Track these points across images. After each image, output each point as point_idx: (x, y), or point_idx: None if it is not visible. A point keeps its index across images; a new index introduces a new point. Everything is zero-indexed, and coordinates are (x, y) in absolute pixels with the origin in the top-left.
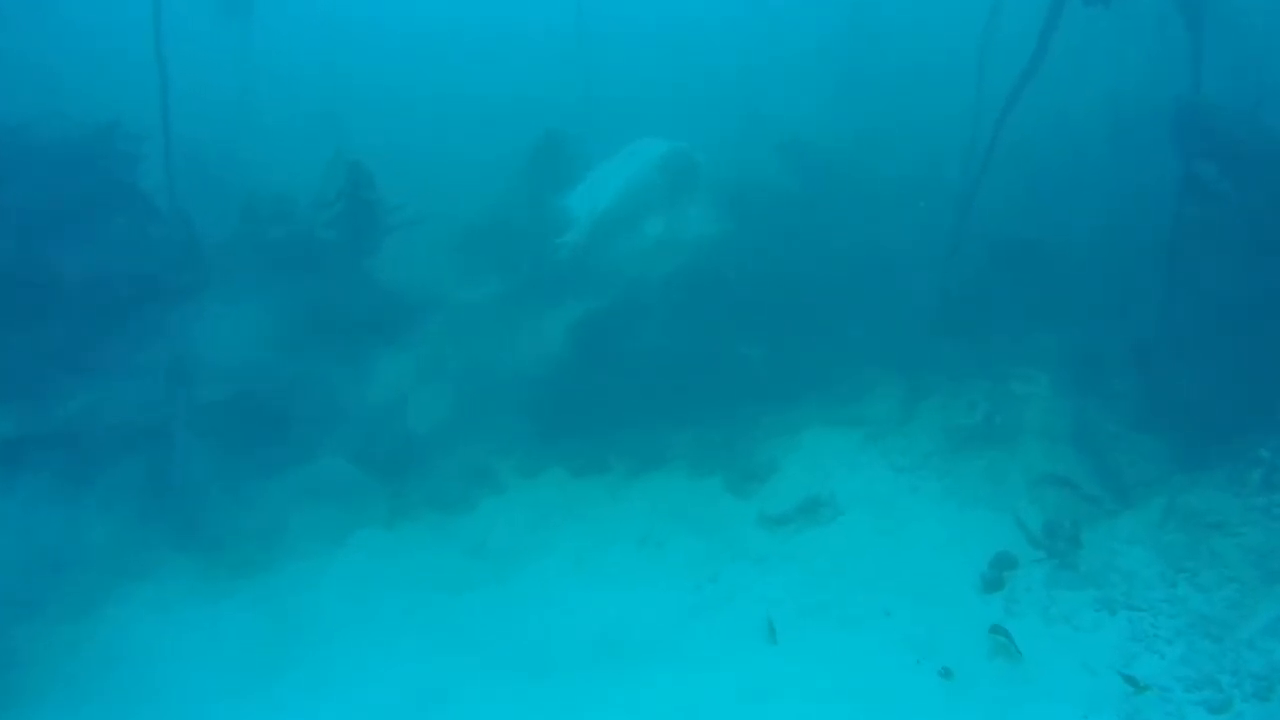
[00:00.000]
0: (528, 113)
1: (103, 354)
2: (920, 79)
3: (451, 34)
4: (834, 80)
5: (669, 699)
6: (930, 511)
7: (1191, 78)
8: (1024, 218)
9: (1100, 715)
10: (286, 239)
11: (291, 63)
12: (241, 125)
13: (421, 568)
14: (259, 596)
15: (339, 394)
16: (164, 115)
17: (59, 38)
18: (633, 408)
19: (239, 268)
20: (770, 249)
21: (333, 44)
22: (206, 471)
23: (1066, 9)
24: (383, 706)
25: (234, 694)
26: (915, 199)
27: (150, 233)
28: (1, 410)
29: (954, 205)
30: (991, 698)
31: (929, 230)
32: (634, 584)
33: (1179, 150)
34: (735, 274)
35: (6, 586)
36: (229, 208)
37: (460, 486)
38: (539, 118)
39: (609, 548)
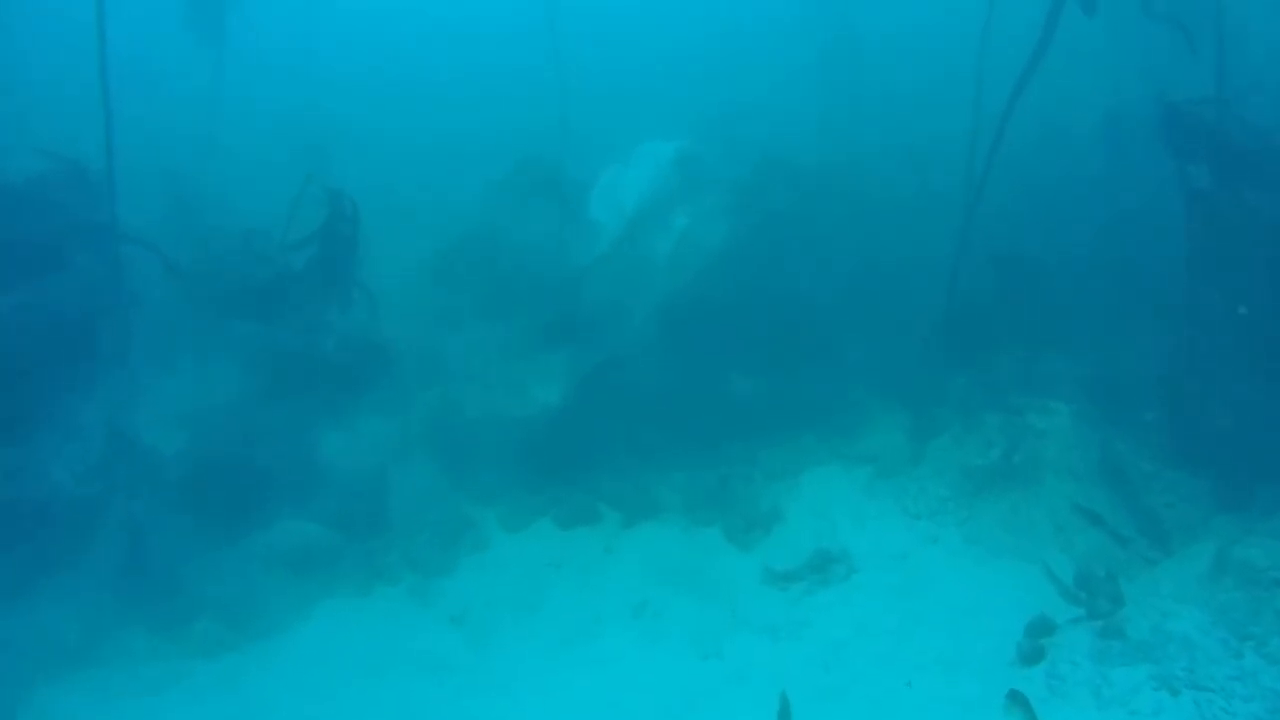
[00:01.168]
0: (505, 141)
1: (37, 412)
2: (913, 95)
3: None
4: (825, 98)
5: None
6: (952, 565)
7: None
8: (1021, 232)
9: None
10: (251, 280)
11: (267, 91)
12: (214, 157)
13: (396, 642)
14: (214, 681)
15: (305, 448)
16: (108, 147)
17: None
18: (621, 447)
19: (196, 311)
20: (758, 272)
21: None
22: (155, 541)
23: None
24: None
25: None
26: (911, 217)
27: (96, 274)
28: None
29: (957, 221)
30: None
31: (923, 247)
32: (630, 662)
33: (1170, 156)
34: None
35: None
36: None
37: (440, 544)
38: (517, 146)
39: (602, 619)
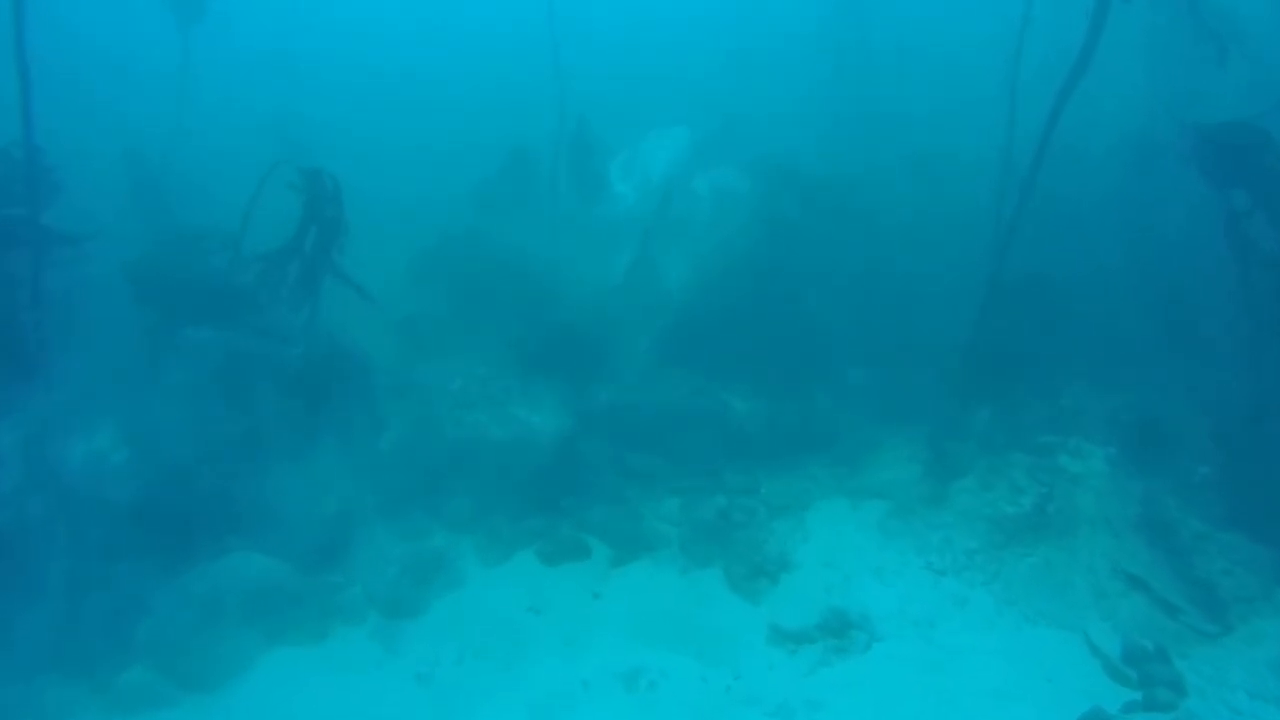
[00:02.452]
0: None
1: None
2: (929, 107)
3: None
4: (835, 109)
5: None
6: (985, 635)
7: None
8: (1044, 256)
9: None
10: (207, 279)
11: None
12: (183, 147)
13: (353, 702)
14: None
15: (259, 470)
16: (25, 131)
17: None
18: (609, 470)
19: (143, 315)
20: (758, 287)
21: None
22: (81, 576)
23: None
24: None
25: None
26: (920, 232)
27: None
28: None
29: (984, 240)
30: None
31: (930, 264)
32: None
33: (1207, 182)
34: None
35: None
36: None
37: (410, 580)
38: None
39: (589, 685)
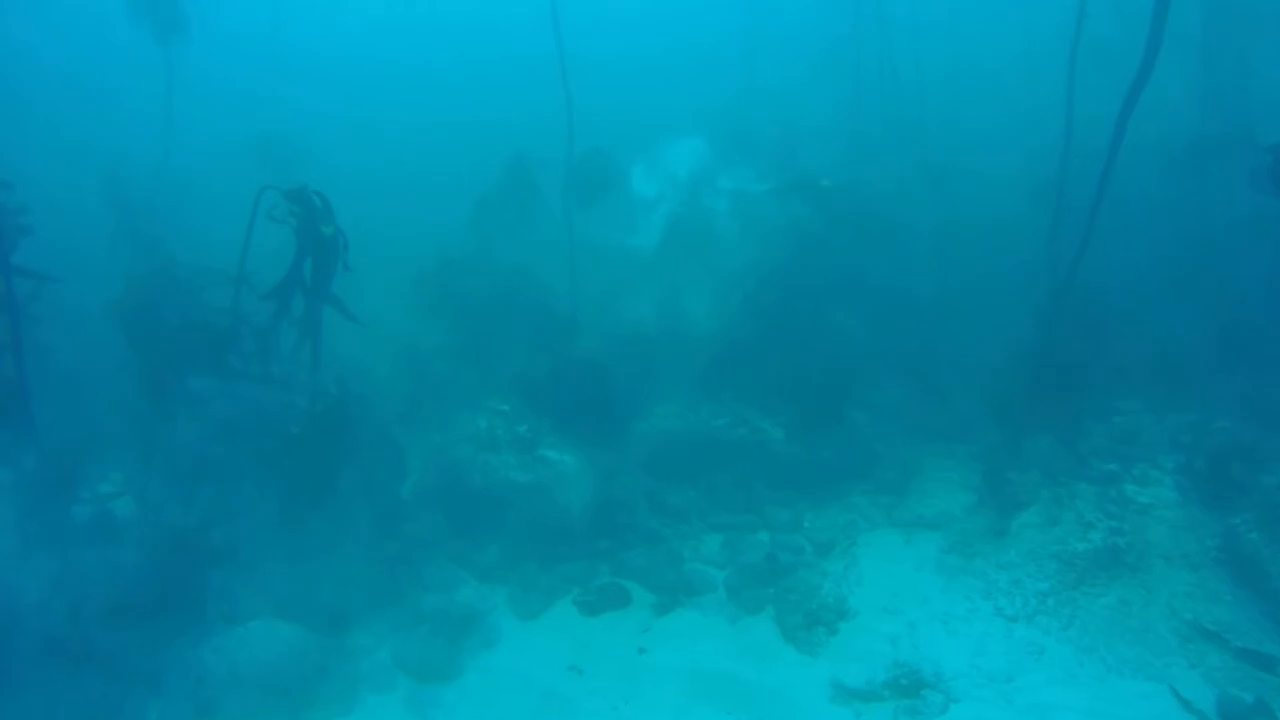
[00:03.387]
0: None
1: None
2: (960, 118)
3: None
4: (859, 122)
5: None
6: (1068, 688)
7: None
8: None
9: None
10: (205, 319)
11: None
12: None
13: None
14: None
15: (271, 521)
16: None
17: None
18: (642, 508)
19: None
20: (788, 304)
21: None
22: (81, 650)
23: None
24: None
25: None
26: (949, 244)
27: None
28: None
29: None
30: None
31: (959, 278)
32: None
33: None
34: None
35: None
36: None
37: (442, 640)
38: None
39: None
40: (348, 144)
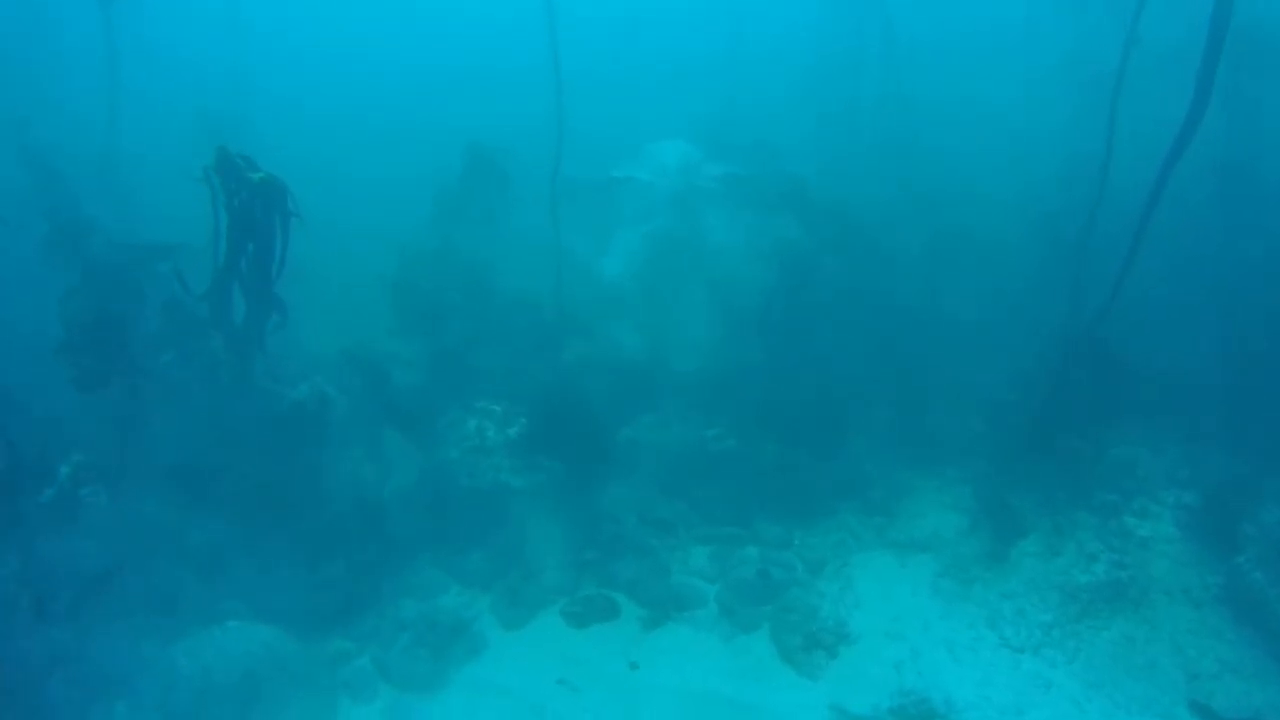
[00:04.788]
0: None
1: None
2: (957, 135)
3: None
4: (848, 141)
5: None
6: None
7: None
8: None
9: None
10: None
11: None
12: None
13: None
14: None
15: (251, 526)
16: None
17: None
18: (631, 519)
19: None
20: (779, 322)
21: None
22: (48, 648)
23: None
24: None
25: None
26: (935, 265)
27: None
28: None
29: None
30: None
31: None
32: None
33: None
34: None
35: None
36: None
37: (426, 649)
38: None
39: None
40: (312, 131)
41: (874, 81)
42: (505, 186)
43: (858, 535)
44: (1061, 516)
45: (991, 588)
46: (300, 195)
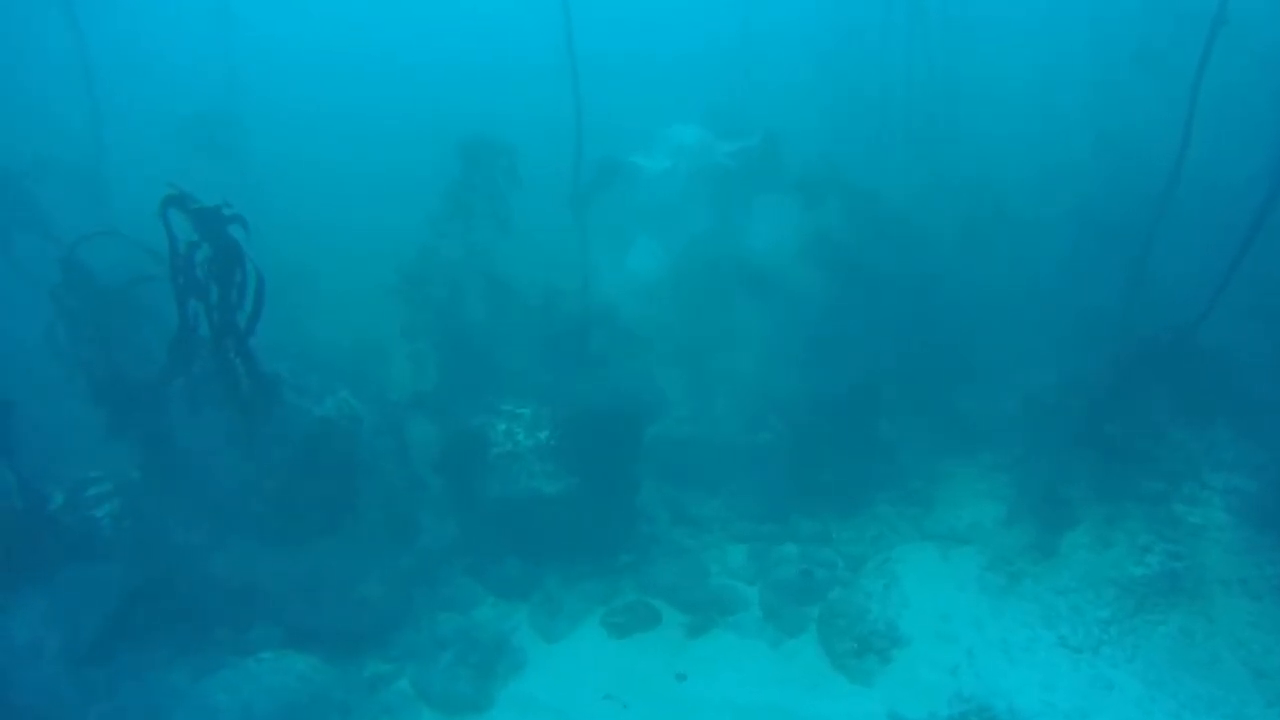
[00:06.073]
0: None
1: None
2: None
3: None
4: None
5: None
6: None
7: None
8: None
9: None
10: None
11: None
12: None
13: None
14: None
15: (283, 548)
16: None
17: None
18: (664, 517)
19: None
20: (806, 302)
21: None
22: (79, 690)
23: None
24: None
25: None
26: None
27: None
28: None
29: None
30: None
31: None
32: None
33: None
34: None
35: None
36: None
37: (469, 667)
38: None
39: None
40: (316, 130)
41: (900, 62)
42: (514, 180)
43: (895, 527)
44: (1112, 506)
45: (1042, 582)
46: (308, 196)
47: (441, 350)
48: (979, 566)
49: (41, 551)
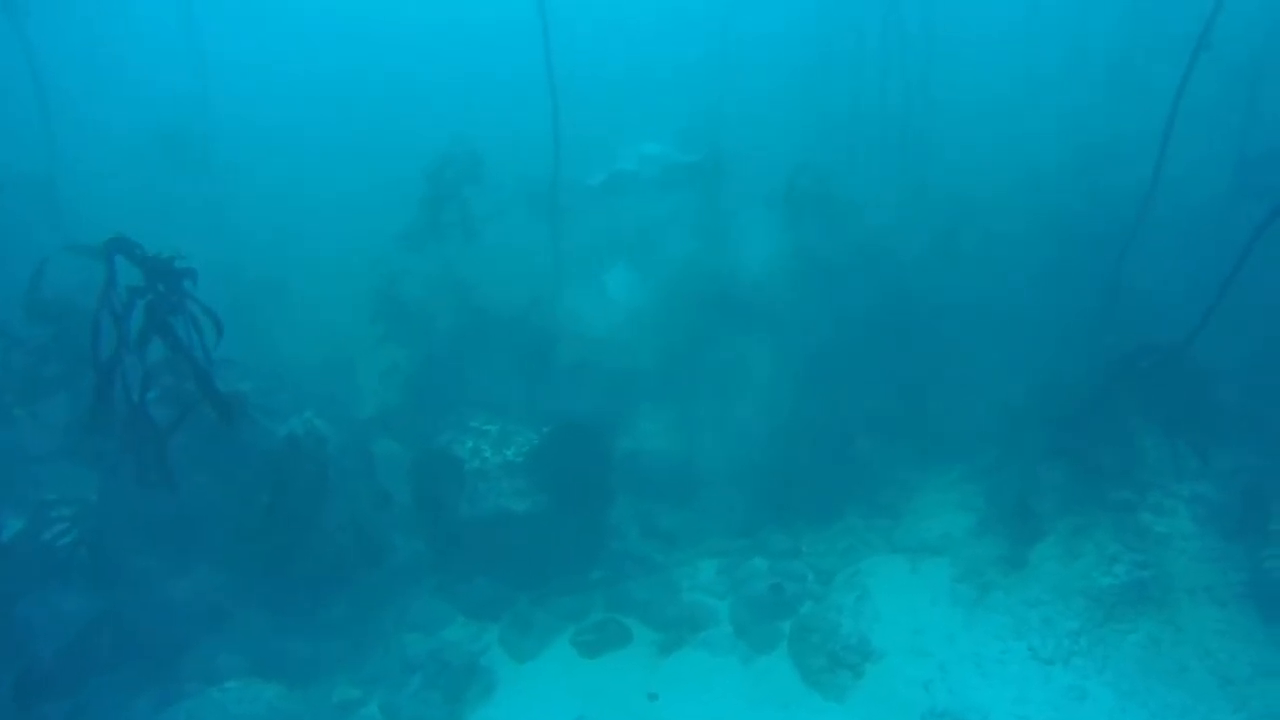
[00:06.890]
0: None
1: None
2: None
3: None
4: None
5: None
6: None
7: None
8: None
9: None
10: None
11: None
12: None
13: None
14: None
15: (245, 572)
16: None
17: None
18: (634, 532)
19: None
20: (777, 315)
21: None
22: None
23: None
24: None
25: None
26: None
27: None
28: None
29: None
30: None
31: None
32: None
33: None
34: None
35: None
36: None
37: (439, 692)
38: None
39: None
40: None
41: (878, 76)
42: (482, 193)
43: (865, 539)
44: (1080, 516)
45: (1013, 594)
46: (277, 210)
47: (410, 365)
48: (950, 578)
49: None
